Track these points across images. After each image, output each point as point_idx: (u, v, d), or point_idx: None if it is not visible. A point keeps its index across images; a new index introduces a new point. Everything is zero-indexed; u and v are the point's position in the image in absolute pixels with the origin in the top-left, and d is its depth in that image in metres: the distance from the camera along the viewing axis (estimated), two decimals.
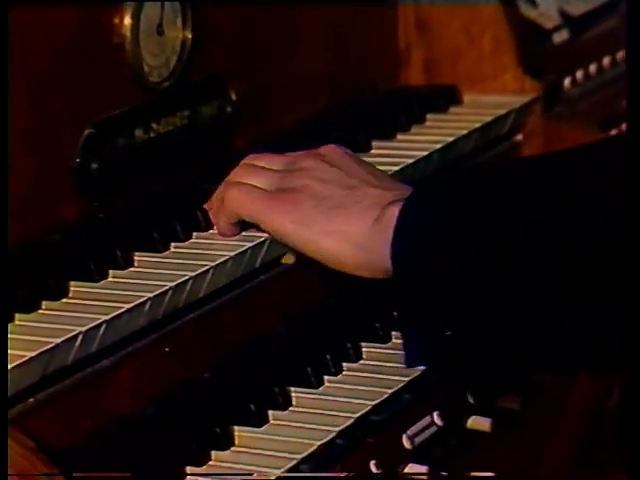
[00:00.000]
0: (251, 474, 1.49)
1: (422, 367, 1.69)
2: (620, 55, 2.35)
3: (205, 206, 1.77)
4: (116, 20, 1.77)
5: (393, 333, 1.79)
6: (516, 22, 2.20)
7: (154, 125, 1.83)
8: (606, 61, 2.32)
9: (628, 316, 1.49)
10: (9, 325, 1.53)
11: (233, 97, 1.94)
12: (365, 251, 1.65)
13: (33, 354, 1.46)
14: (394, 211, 1.63)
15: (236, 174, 1.76)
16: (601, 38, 2.34)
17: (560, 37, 2.27)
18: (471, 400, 1.78)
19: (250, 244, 1.72)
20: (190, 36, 1.85)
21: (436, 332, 1.62)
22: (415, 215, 1.63)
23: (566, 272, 1.56)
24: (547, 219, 1.57)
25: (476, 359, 1.66)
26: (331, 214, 1.67)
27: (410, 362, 1.68)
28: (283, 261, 1.79)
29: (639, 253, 1.49)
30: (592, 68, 2.30)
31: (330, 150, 1.77)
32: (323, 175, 1.72)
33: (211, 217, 1.76)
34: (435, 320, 1.63)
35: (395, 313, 1.79)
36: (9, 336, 1.49)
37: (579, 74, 2.27)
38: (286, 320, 1.83)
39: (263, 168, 1.76)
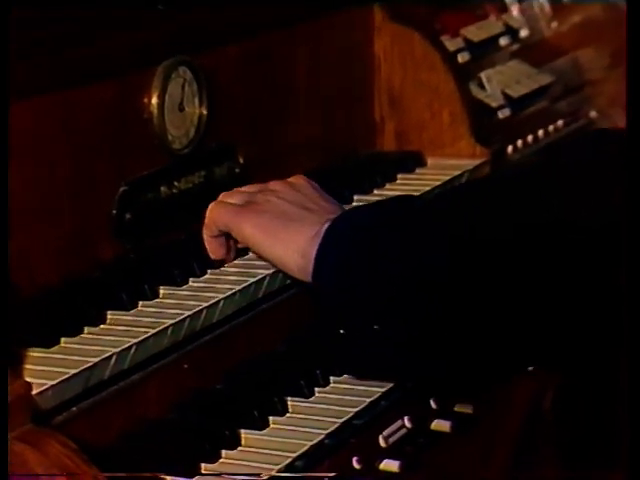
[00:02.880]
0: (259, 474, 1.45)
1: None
2: (551, 128, 2.32)
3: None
4: (145, 99, 1.75)
5: None
6: (469, 101, 2.18)
7: (176, 183, 1.81)
8: (540, 132, 2.29)
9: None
10: (56, 347, 1.49)
11: (241, 161, 1.92)
12: (304, 258, 1.61)
13: (76, 371, 1.44)
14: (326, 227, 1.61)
15: (218, 197, 1.74)
16: (535, 115, 2.31)
17: (503, 114, 2.25)
18: (434, 406, 1.74)
19: (253, 279, 1.69)
20: (205, 112, 1.83)
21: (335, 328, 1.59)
22: (334, 234, 1.59)
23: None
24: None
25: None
26: (285, 225, 1.64)
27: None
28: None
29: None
30: (529, 138, 2.27)
31: (298, 179, 1.75)
32: (286, 196, 1.69)
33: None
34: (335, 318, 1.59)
35: None
36: (56, 356, 1.47)
37: (519, 143, 2.24)
38: (284, 339, 1.78)
39: (239, 190, 1.74)
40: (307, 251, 1.60)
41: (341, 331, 1.58)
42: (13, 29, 1.53)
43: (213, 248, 1.72)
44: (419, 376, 1.64)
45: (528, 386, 1.92)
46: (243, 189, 1.75)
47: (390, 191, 2.03)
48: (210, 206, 1.71)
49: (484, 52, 2.27)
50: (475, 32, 2.27)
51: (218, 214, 1.70)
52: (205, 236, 1.72)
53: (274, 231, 1.65)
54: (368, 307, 1.55)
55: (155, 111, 1.75)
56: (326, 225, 1.60)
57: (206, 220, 1.71)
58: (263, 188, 1.73)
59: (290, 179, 1.75)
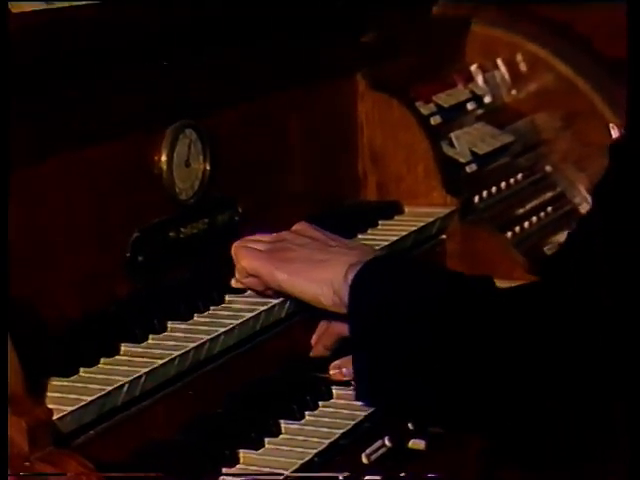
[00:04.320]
0: None
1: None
2: (512, 180, 2.30)
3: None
4: (156, 157, 1.74)
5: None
6: (440, 158, 2.15)
7: (183, 230, 1.78)
8: (503, 184, 2.27)
9: None
10: (75, 376, 1.46)
11: (240, 210, 1.88)
12: (337, 294, 1.59)
13: (92, 398, 1.41)
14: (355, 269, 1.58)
15: (239, 241, 1.71)
16: (498, 169, 2.29)
17: (471, 168, 2.23)
18: (411, 427, 1.70)
19: (251, 314, 1.66)
20: (209, 168, 1.81)
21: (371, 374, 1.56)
22: (364, 279, 1.57)
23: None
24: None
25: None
26: (315, 267, 1.62)
27: (357, 397, 1.62)
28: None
29: None
30: (493, 189, 2.25)
31: (302, 225, 1.73)
32: (303, 242, 1.68)
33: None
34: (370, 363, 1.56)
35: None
36: (75, 384, 1.43)
37: (484, 193, 2.22)
38: (278, 368, 1.74)
39: (258, 239, 1.71)
40: (341, 288, 1.57)
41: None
42: (43, 94, 1.53)
43: (252, 285, 1.68)
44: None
45: None
46: (259, 238, 1.71)
47: (372, 235, 2.01)
48: (239, 252, 1.67)
49: (453, 116, 2.26)
50: (445, 99, 2.26)
51: (248, 261, 1.66)
52: (239, 279, 1.68)
53: (305, 274, 1.62)
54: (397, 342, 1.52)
55: (164, 167, 1.73)
56: (354, 267, 1.57)
57: (237, 266, 1.67)
58: (278, 238, 1.70)
59: (295, 227, 1.72)
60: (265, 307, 1.68)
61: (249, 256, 1.67)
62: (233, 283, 1.70)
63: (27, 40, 1.50)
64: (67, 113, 1.59)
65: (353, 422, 1.59)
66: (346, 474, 1.49)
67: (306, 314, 1.74)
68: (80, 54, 1.59)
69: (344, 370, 1.68)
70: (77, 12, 1.59)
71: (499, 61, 2.37)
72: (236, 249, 1.68)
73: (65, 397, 1.39)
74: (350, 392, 1.69)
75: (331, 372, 1.70)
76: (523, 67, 2.38)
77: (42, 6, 1.55)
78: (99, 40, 1.61)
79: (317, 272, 1.62)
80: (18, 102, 1.47)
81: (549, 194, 2.37)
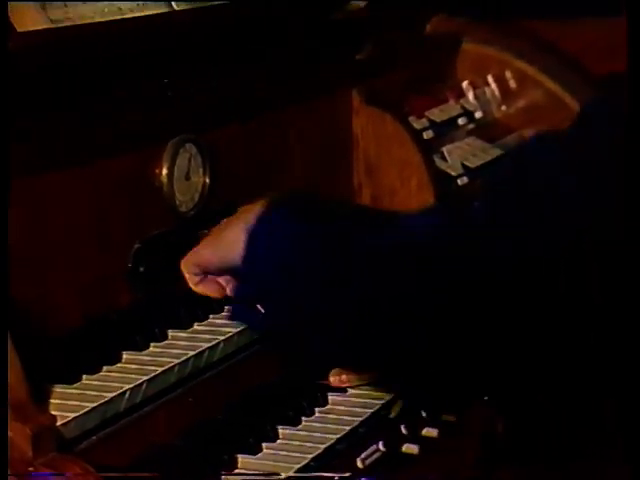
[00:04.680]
0: None
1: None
2: None
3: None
4: (157, 171, 1.72)
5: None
6: (433, 171, 2.14)
7: (183, 240, 1.72)
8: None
9: None
10: (78, 383, 1.44)
11: None
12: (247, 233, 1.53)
13: (95, 405, 1.40)
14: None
15: None
16: None
17: (462, 181, 2.21)
18: (404, 432, 1.70)
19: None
20: (208, 181, 1.79)
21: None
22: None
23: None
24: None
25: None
26: (226, 225, 1.59)
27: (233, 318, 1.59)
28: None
29: None
30: None
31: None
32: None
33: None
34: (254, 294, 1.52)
35: None
36: (78, 391, 1.42)
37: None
38: (275, 375, 1.73)
39: None
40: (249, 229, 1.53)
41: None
42: (48, 109, 1.52)
43: (209, 290, 1.64)
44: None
45: (483, 413, 1.87)
46: None
47: None
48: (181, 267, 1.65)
49: (445, 130, 2.25)
50: (437, 114, 2.25)
51: (184, 265, 1.63)
52: (193, 286, 1.64)
53: (220, 237, 1.58)
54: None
55: (165, 180, 1.72)
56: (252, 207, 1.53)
57: (185, 275, 1.64)
58: None
59: None
60: None
61: (182, 262, 1.64)
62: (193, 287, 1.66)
63: (31, 57, 1.50)
64: (72, 128, 1.58)
65: (348, 427, 1.58)
66: (343, 475, 1.48)
67: None
68: (84, 71, 1.59)
69: (343, 377, 1.67)
70: (80, 30, 1.58)
71: (489, 78, 2.37)
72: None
73: (68, 404, 1.38)
74: (346, 398, 1.69)
75: (331, 379, 1.68)
76: (512, 84, 2.37)
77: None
78: (102, 57, 1.61)
79: (228, 230, 1.57)
80: (24, 116, 1.47)
81: None
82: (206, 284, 1.65)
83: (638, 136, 1.31)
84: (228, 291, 1.64)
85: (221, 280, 1.64)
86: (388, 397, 1.70)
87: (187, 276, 1.65)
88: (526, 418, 1.85)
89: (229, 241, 1.57)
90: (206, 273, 1.64)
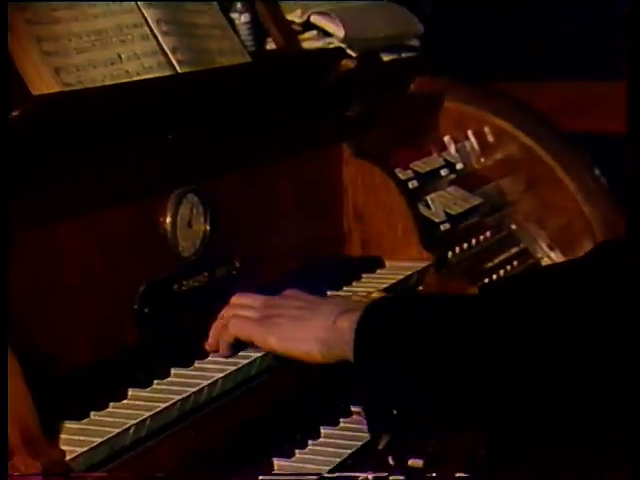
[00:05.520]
0: None
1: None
2: (481, 238, 2.29)
3: (211, 331, 1.66)
4: (161, 219, 1.72)
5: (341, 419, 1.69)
6: (417, 218, 2.14)
7: (185, 283, 1.76)
8: (473, 241, 2.26)
9: None
10: (86, 419, 1.43)
11: (237, 264, 1.86)
12: (327, 346, 1.55)
13: (102, 439, 1.38)
14: (345, 317, 1.54)
15: (230, 308, 1.66)
16: (469, 228, 2.27)
17: (445, 227, 2.21)
18: (391, 462, 1.66)
19: (246, 361, 1.64)
20: (209, 228, 1.79)
21: (381, 409, 1.52)
22: (368, 322, 1.52)
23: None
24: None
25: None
26: (302, 326, 1.59)
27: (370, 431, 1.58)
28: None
29: None
30: (465, 245, 2.23)
31: (290, 291, 1.69)
32: (290, 303, 1.64)
33: (212, 340, 1.64)
34: (378, 398, 1.52)
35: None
36: (86, 427, 1.41)
37: (457, 249, 2.20)
38: (270, 409, 1.70)
39: (249, 305, 1.66)
40: (330, 340, 1.54)
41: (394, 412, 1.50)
42: (66, 163, 1.52)
43: (226, 351, 1.64)
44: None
45: (465, 440, 1.85)
46: (250, 302, 1.66)
47: (357, 287, 1.98)
48: (230, 319, 1.63)
49: (429, 180, 2.25)
50: (421, 165, 2.25)
51: (241, 329, 1.62)
52: (222, 344, 1.63)
53: (294, 334, 1.59)
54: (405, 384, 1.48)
55: (169, 228, 1.71)
56: (343, 316, 1.54)
57: (229, 331, 1.62)
58: (268, 303, 1.66)
59: (285, 292, 1.68)
60: (260, 353, 1.65)
61: (241, 325, 1.62)
62: (207, 347, 1.64)
63: (47, 117, 1.50)
64: (84, 180, 1.58)
65: (339, 459, 1.56)
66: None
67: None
68: (95, 129, 1.59)
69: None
70: (91, 92, 1.59)
71: (469, 133, 2.38)
72: (227, 319, 1.64)
73: (77, 439, 1.37)
74: (337, 431, 1.66)
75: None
76: (490, 138, 2.38)
77: None
78: (112, 117, 1.62)
79: (305, 330, 1.58)
80: (42, 171, 1.48)
81: (514, 249, 2.36)
82: (230, 349, 1.63)
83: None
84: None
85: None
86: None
87: (229, 335, 1.62)
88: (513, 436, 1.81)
89: (303, 338, 1.57)
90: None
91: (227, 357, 1.64)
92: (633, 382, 1.33)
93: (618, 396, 1.36)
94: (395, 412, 1.51)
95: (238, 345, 1.66)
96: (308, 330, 1.59)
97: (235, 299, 1.68)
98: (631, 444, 1.29)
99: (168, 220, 1.71)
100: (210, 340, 1.65)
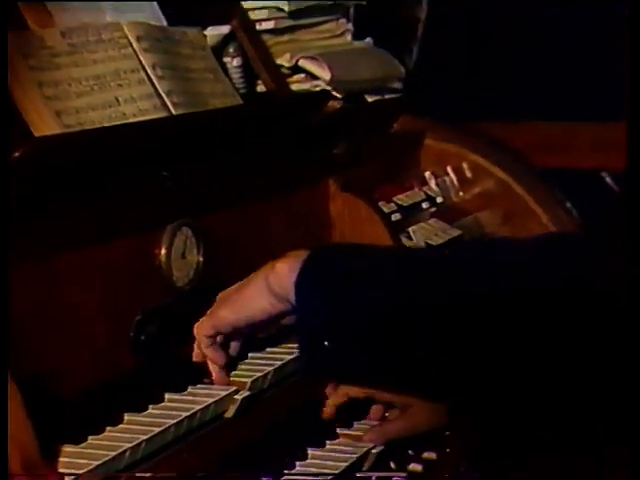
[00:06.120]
0: None
1: None
2: None
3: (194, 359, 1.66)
4: (157, 251, 1.72)
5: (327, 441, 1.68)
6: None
7: (179, 312, 1.73)
8: None
9: None
10: (84, 443, 1.42)
11: None
12: (272, 292, 1.52)
13: (99, 462, 1.37)
14: (283, 261, 1.50)
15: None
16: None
17: None
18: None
19: (234, 388, 1.62)
20: (202, 259, 1.79)
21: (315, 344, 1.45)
22: (313, 263, 1.46)
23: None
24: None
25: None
26: (244, 287, 1.57)
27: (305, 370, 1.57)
28: None
29: None
30: None
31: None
32: (228, 290, 1.63)
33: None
34: (314, 333, 1.46)
35: None
36: (84, 450, 1.40)
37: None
38: (262, 433, 1.70)
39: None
40: (270, 285, 1.51)
41: (325, 343, 1.43)
42: (68, 200, 1.52)
43: (215, 356, 1.62)
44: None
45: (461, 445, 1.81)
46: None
47: None
48: (194, 330, 1.64)
49: (411, 213, 2.25)
50: (404, 199, 2.25)
51: (200, 327, 1.62)
52: (203, 348, 1.61)
53: (240, 300, 1.56)
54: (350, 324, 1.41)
55: (164, 259, 1.71)
56: (278, 263, 1.50)
57: (197, 338, 1.62)
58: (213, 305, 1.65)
59: None
60: (250, 379, 1.65)
61: (199, 324, 1.62)
62: (194, 357, 1.64)
63: (48, 157, 1.51)
64: (83, 216, 1.58)
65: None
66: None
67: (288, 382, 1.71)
68: (94, 167, 1.59)
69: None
70: (90, 134, 1.59)
71: (449, 168, 2.39)
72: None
73: (75, 462, 1.36)
74: (324, 453, 1.66)
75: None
76: (468, 174, 2.39)
77: None
78: (110, 156, 1.62)
79: (248, 291, 1.55)
80: (44, 207, 1.48)
81: None
82: (215, 350, 1.62)
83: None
84: (232, 351, 1.61)
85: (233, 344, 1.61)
86: (361, 451, 1.67)
87: (200, 338, 1.61)
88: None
89: (249, 297, 1.53)
90: (220, 334, 1.60)
91: (221, 362, 1.61)
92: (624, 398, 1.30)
93: (610, 409, 1.33)
94: (327, 344, 1.43)
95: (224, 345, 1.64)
96: (251, 289, 1.56)
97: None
98: (628, 462, 1.25)
99: (163, 252, 1.71)
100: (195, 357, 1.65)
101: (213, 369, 1.64)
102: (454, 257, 1.46)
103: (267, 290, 1.53)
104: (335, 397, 1.62)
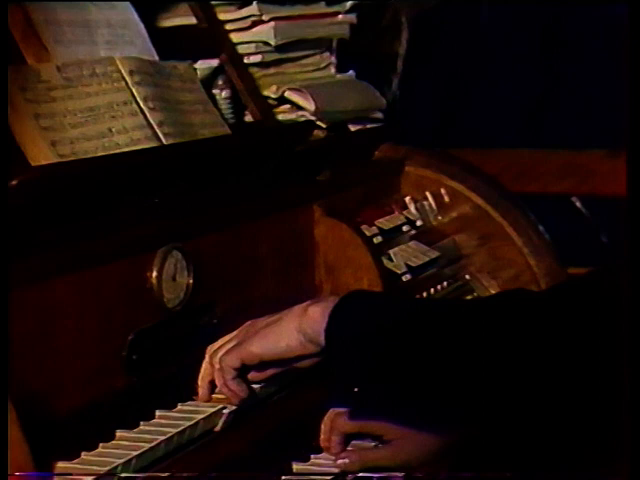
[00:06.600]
0: None
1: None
2: (439, 287, 2.28)
3: (200, 382, 1.64)
4: (148, 274, 1.71)
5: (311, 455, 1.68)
6: (381, 270, 2.13)
7: (170, 332, 1.73)
8: (432, 290, 2.26)
9: None
10: (78, 459, 1.42)
11: (218, 314, 1.85)
12: (303, 333, 1.52)
13: (92, 478, 1.37)
14: (316, 305, 1.52)
15: (211, 354, 1.65)
16: (428, 278, 2.27)
17: (406, 278, 2.20)
18: None
19: (221, 404, 1.63)
20: (192, 281, 1.78)
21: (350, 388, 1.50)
22: (343, 310, 1.49)
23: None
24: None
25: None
26: (275, 325, 1.57)
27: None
28: None
29: None
30: (424, 294, 2.23)
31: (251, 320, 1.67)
32: (259, 321, 1.63)
33: (202, 391, 1.63)
34: (349, 378, 1.49)
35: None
36: (77, 467, 1.40)
37: (417, 297, 2.19)
38: (252, 446, 1.69)
39: (223, 338, 1.65)
40: (302, 326, 1.52)
41: (355, 389, 1.46)
42: (59, 229, 1.52)
43: (238, 390, 1.60)
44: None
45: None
46: (223, 340, 1.65)
47: None
48: (218, 357, 1.60)
49: (392, 236, 2.25)
50: (385, 223, 2.25)
51: (228, 359, 1.59)
52: (226, 382, 1.59)
53: (271, 336, 1.56)
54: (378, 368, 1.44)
55: (155, 282, 1.71)
56: (311, 307, 1.51)
57: (222, 368, 1.59)
58: (239, 331, 1.65)
59: (247, 322, 1.67)
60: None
61: (228, 356, 1.60)
62: (203, 377, 1.63)
63: (44, 185, 1.51)
64: (77, 240, 1.59)
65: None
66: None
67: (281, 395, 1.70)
68: (87, 195, 1.60)
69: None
70: (84, 163, 1.60)
71: (427, 193, 2.40)
72: (211, 358, 1.62)
73: (68, 478, 1.37)
74: (307, 467, 1.65)
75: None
76: (446, 198, 2.40)
77: None
78: (103, 184, 1.62)
79: (280, 329, 1.55)
80: (37, 233, 1.49)
81: (468, 297, 2.37)
82: (239, 384, 1.60)
83: None
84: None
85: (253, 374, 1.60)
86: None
87: (226, 368, 1.58)
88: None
89: (280, 334, 1.54)
90: (245, 366, 1.59)
91: (240, 393, 1.59)
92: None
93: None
94: (356, 390, 1.47)
95: (243, 374, 1.62)
96: (283, 327, 1.56)
97: (210, 347, 1.67)
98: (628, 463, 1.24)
99: (154, 275, 1.71)
100: (200, 392, 1.63)
101: (201, 387, 1.64)
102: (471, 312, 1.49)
103: (298, 331, 1.54)
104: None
